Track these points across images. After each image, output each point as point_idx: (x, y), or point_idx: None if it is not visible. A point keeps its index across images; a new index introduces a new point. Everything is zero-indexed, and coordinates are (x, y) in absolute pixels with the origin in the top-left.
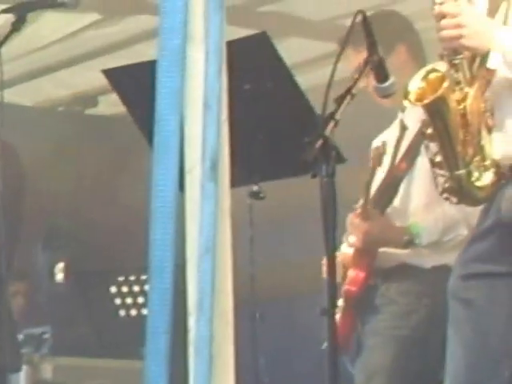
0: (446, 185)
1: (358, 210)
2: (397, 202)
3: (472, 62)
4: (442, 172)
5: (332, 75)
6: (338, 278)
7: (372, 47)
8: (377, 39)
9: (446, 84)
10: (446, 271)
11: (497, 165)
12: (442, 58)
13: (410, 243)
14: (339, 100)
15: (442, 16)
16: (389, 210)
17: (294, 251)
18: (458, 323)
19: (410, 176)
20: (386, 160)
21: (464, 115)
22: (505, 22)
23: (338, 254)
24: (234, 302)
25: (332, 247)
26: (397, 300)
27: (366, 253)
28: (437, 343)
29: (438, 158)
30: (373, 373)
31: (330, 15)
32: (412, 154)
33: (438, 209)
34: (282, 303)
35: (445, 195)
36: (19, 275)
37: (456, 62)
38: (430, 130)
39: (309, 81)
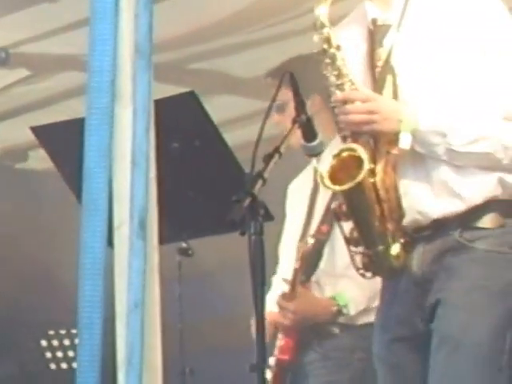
0: (364, 261)
1: (286, 291)
2: (322, 264)
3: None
4: (358, 249)
5: (260, 133)
6: (268, 337)
7: (300, 106)
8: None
9: (366, 167)
10: None
11: (405, 231)
12: (344, 139)
13: (338, 314)
14: (267, 158)
15: (345, 101)
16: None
17: (223, 307)
18: None
19: (331, 236)
20: (300, 210)
21: (376, 190)
22: (394, 95)
23: (266, 312)
24: (164, 357)
25: (260, 303)
26: (330, 355)
27: (295, 325)
28: None
29: (354, 235)
30: None
31: (259, 73)
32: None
33: None
34: (211, 358)
35: (361, 271)
36: None
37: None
38: (343, 209)
39: (237, 138)
